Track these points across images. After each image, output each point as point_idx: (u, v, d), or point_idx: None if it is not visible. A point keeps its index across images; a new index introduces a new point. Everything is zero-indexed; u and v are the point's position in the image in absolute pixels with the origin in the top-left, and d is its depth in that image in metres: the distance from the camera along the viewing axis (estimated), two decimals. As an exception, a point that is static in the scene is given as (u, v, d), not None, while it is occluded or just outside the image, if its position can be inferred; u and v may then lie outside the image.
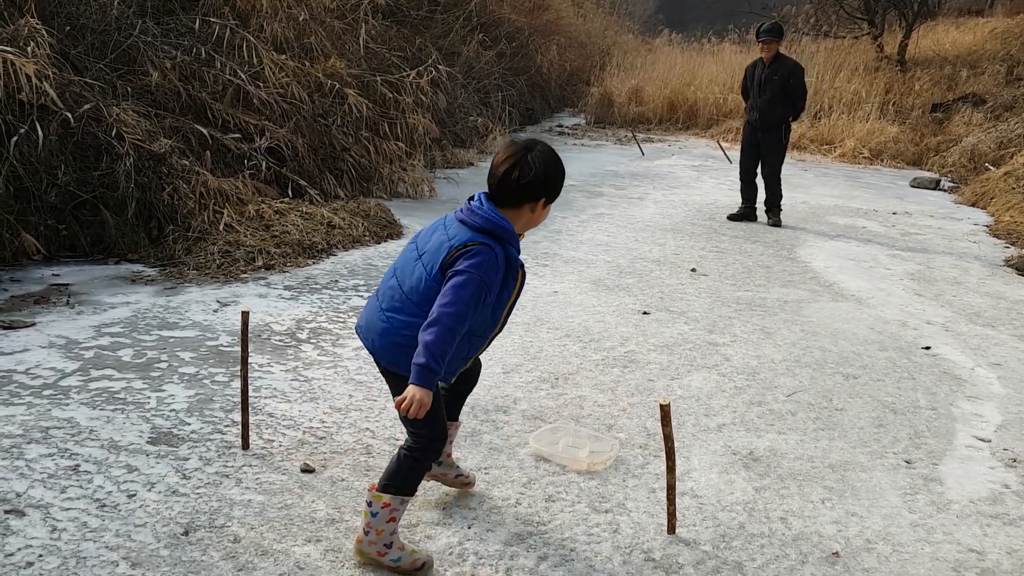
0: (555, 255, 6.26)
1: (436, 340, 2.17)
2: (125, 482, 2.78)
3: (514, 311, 2.54)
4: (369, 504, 2.40)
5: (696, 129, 15.95)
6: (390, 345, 2.36)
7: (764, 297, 5.53)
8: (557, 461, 3.16)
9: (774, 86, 7.67)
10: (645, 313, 5.04)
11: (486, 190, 2.41)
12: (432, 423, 2.36)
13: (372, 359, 2.49)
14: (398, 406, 2.17)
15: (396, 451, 2.47)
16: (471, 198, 2.41)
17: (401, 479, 2.41)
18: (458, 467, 2.87)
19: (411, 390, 2.15)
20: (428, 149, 9.33)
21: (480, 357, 2.67)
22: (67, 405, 3.28)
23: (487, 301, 2.30)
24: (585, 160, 11.79)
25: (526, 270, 2.51)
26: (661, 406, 2.63)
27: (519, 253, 2.38)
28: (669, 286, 5.66)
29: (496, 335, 2.51)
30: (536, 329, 4.61)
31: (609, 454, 3.21)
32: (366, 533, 2.41)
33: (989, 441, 3.60)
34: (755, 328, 4.88)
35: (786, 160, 8.09)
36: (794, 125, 13.88)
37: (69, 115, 5.20)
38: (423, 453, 2.41)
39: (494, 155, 2.41)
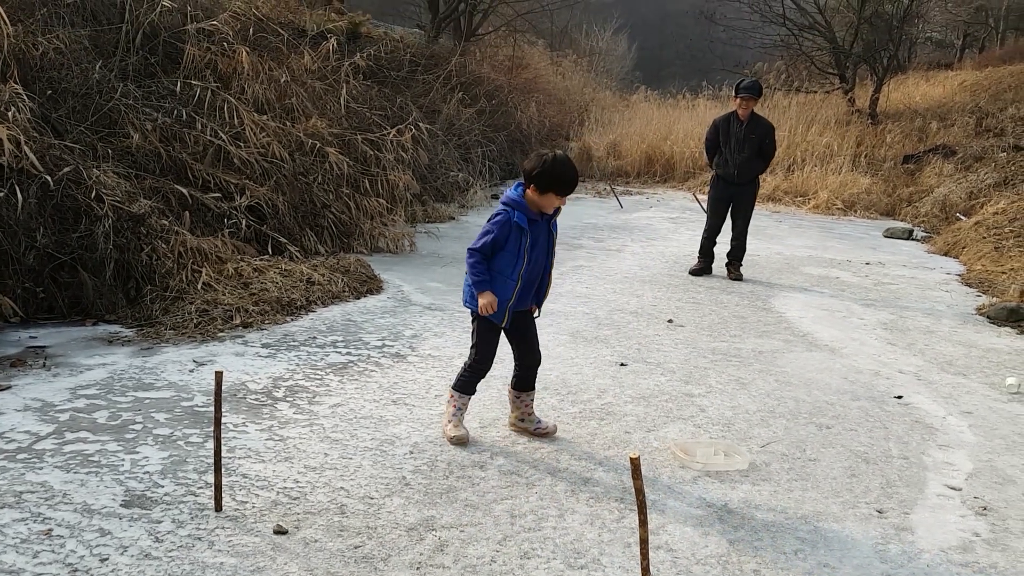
0: (533, 309, 6.31)
1: (471, 272, 3.61)
2: (98, 546, 2.77)
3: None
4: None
5: (673, 182, 16.20)
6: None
7: (739, 347, 5.60)
8: (691, 464, 3.69)
9: (752, 144, 7.74)
10: (622, 364, 5.09)
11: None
12: (482, 349, 3.74)
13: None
14: (481, 310, 3.58)
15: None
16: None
17: (461, 382, 3.80)
18: (538, 420, 3.94)
19: (479, 300, 3.57)
20: (409, 204, 9.43)
21: (529, 357, 3.88)
22: (41, 469, 3.27)
23: (504, 248, 3.58)
24: (565, 213, 11.81)
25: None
26: (631, 459, 2.66)
27: (528, 221, 3.57)
28: (646, 337, 5.71)
29: (531, 282, 3.69)
30: (513, 384, 4.63)
31: (738, 466, 3.71)
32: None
33: (960, 489, 3.64)
34: (730, 379, 4.93)
35: (761, 212, 8.21)
36: (768, 177, 14.18)
37: (49, 178, 5.25)
38: (472, 371, 3.78)
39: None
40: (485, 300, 3.55)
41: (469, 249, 3.60)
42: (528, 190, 3.56)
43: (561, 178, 3.50)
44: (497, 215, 3.60)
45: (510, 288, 3.62)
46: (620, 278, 7.66)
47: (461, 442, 3.75)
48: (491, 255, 3.60)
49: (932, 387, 5.01)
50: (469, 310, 3.76)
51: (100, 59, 6.90)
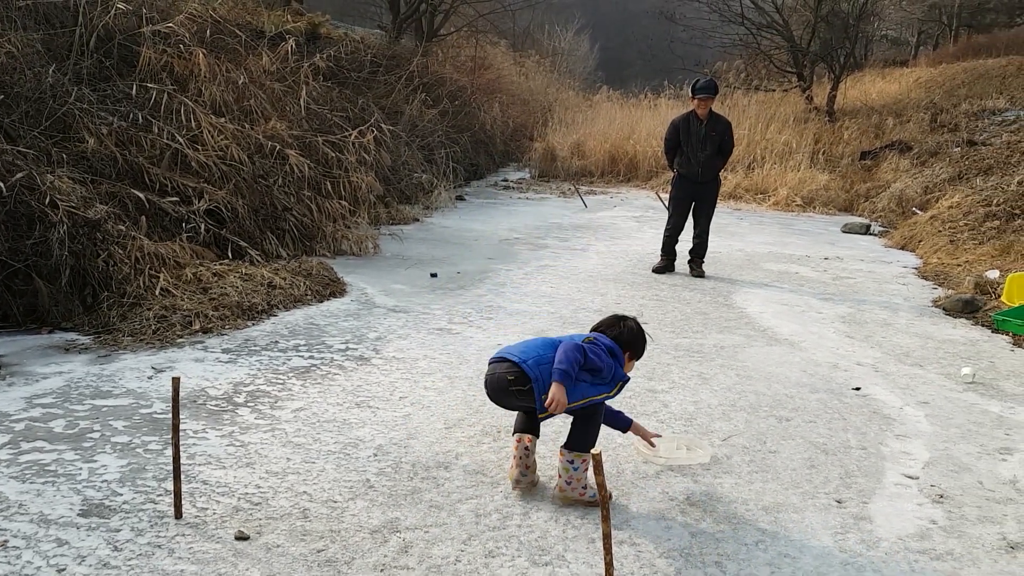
0: (499, 308, 6.32)
1: (567, 359, 3.16)
2: (55, 556, 2.72)
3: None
4: (571, 462, 3.30)
5: (637, 181, 16.33)
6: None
7: (702, 343, 5.65)
8: (655, 459, 3.72)
9: (714, 142, 7.82)
10: (586, 364, 5.11)
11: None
12: (595, 408, 3.34)
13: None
14: (549, 403, 3.13)
15: (575, 423, 3.36)
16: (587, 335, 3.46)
17: (584, 440, 3.31)
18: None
19: (552, 389, 3.13)
20: (372, 206, 9.39)
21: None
22: (-6, 480, 3.21)
23: (593, 379, 3.26)
24: (529, 213, 11.97)
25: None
26: (593, 456, 2.67)
27: (624, 378, 3.37)
28: (610, 336, 5.74)
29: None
30: (479, 382, 4.62)
31: (700, 460, 3.74)
32: (567, 483, 3.31)
33: (917, 478, 3.70)
34: (693, 374, 4.98)
35: (722, 209, 8.30)
36: (729, 175, 14.36)
37: (1, 184, 5.15)
38: (595, 422, 3.36)
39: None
40: (559, 395, 3.11)
41: (584, 349, 3.23)
42: (626, 357, 3.48)
43: (644, 348, 3.59)
44: (614, 367, 3.32)
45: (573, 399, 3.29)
46: (584, 277, 7.69)
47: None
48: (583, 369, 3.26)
49: (889, 378, 5.09)
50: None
51: (53, 63, 6.78)
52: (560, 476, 3.33)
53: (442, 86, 15.15)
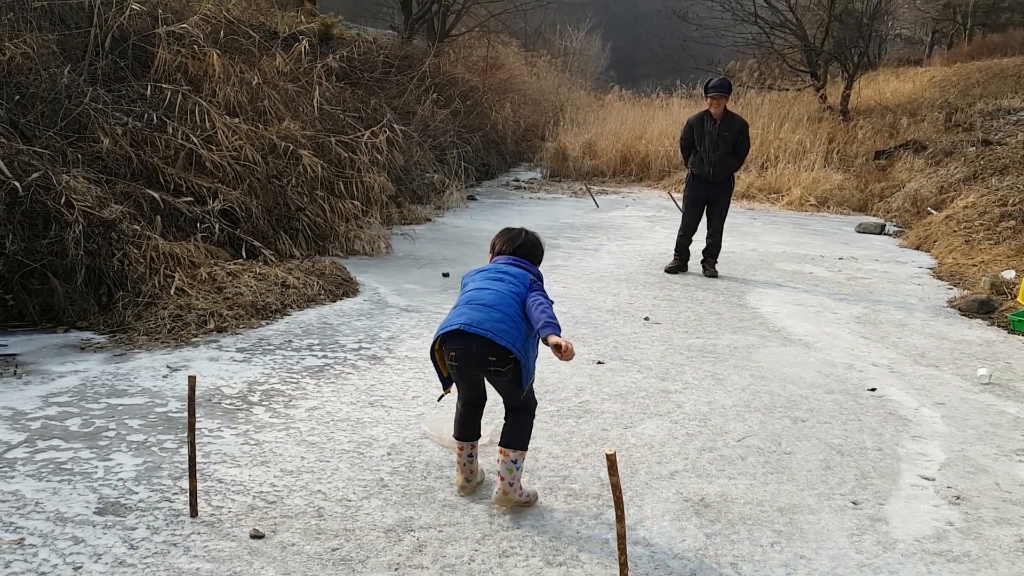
0: (510, 309, 6.31)
1: (552, 314, 3.07)
2: (71, 554, 2.73)
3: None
4: (515, 462, 3.15)
5: (649, 181, 16.29)
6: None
7: (715, 343, 5.63)
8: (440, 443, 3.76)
9: (727, 142, 7.76)
10: (599, 363, 5.10)
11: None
12: (532, 391, 3.30)
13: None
14: (566, 349, 2.94)
15: (514, 418, 3.22)
16: (510, 262, 3.37)
17: (527, 436, 3.22)
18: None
19: (562, 339, 2.95)
20: (384, 206, 9.40)
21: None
22: (12, 478, 3.22)
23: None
24: (541, 213, 11.95)
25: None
26: (607, 456, 2.67)
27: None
28: (623, 335, 5.73)
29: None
30: (491, 383, 4.63)
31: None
32: (511, 485, 3.16)
33: (933, 479, 3.68)
34: (706, 375, 4.96)
35: (736, 209, 8.26)
36: (742, 174, 14.31)
37: (17, 184, 5.18)
38: (533, 413, 3.29)
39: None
40: (568, 343, 2.98)
41: (549, 299, 3.17)
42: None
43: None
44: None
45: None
46: (597, 277, 7.68)
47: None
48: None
49: (905, 379, 5.06)
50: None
51: (69, 63, 6.82)
52: (502, 479, 3.15)
53: (454, 86, 15.17)
